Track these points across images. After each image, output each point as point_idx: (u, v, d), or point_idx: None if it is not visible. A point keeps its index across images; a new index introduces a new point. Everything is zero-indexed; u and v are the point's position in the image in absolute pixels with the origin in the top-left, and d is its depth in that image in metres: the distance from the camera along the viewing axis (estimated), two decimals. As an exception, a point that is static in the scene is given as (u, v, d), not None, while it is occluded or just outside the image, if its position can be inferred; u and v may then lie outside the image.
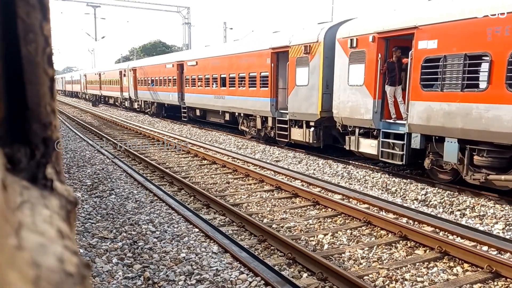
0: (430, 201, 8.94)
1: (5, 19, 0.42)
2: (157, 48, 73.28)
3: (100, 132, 20.44)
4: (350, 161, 12.91)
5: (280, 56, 16.03)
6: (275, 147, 15.99)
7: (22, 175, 0.44)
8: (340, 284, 5.16)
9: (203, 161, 13.57)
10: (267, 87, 16.27)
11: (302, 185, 9.87)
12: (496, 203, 8.53)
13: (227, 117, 20.12)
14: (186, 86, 24.40)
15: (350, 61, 12.10)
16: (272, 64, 15.92)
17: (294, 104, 14.79)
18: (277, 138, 16.23)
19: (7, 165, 0.42)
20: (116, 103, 41.43)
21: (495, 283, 5.38)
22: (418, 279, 5.44)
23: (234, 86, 18.90)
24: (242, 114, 18.58)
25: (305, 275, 5.54)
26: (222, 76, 19.93)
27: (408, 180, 10.57)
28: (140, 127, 22.83)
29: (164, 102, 28.14)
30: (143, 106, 32.53)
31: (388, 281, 5.36)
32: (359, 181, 10.79)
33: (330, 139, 14.31)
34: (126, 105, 37.08)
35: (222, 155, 13.92)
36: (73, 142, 17.22)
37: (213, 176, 11.45)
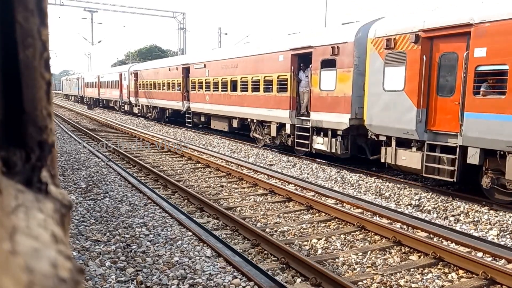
0: (424, 206, 8.96)
1: (3, 24, 0.42)
2: (152, 53, 73.26)
3: (95, 135, 20.37)
4: (344, 166, 12.93)
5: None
6: (269, 151, 15.98)
7: (17, 178, 0.43)
8: (334, 289, 5.15)
9: (197, 164, 13.54)
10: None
11: (296, 189, 9.87)
12: (491, 208, 8.56)
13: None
14: None
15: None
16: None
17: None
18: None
19: (2, 168, 0.42)
20: (260, 135, 16.88)
21: (489, 290, 5.39)
22: (413, 285, 5.44)
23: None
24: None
25: (298, 280, 5.53)
26: None
27: (402, 185, 10.60)
28: (135, 130, 22.76)
29: None
30: None
31: (382, 287, 5.36)
32: (353, 186, 10.81)
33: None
34: (320, 149, 13.54)
35: (216, 159, 13.91)
36: (68, 145, 17.14)
37: (206, 179, 11.43)
